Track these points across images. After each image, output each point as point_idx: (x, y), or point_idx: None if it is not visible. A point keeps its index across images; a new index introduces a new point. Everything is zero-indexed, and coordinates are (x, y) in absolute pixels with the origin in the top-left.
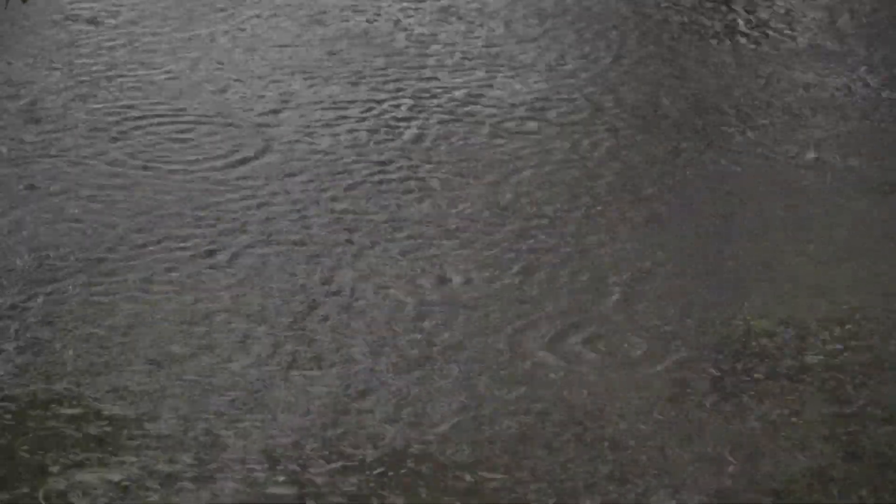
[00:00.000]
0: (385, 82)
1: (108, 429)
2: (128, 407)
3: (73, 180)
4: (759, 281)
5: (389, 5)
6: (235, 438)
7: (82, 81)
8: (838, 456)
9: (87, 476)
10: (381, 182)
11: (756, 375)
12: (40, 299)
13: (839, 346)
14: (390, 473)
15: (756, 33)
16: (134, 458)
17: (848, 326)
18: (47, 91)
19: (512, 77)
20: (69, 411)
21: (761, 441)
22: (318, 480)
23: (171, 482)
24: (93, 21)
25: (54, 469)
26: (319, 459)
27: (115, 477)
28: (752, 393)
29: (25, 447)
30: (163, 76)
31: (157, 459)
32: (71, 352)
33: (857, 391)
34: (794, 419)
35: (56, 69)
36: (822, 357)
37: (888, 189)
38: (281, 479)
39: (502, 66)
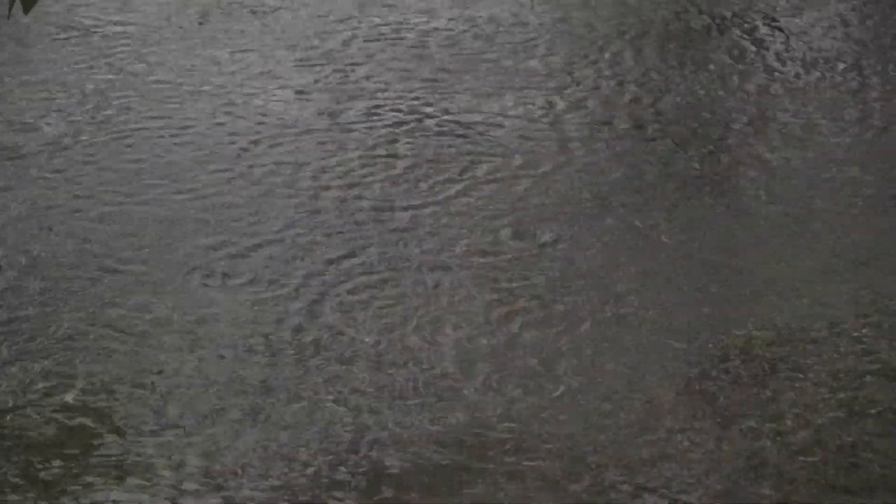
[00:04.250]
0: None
1: None
2: None
3: None
4: (763, 292)
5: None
6: None
7: None
8: (842, 466)
9: None
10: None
11: (759, 386)
12: None
13: (843, 358)
14: None
15: (759, 42)
16: None
17: (851, 338)
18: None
19: (512, 84)
20: None
21: (765, 451)
22: None
23: None
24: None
25: None
26: None
27: None
28: (756, 403)
29: None
30: None
31: None
32: None
33: (860, 402)
34: (797, 430)
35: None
36: (825, 368)
37: (892, 201)
38: None
39: (503, 72)
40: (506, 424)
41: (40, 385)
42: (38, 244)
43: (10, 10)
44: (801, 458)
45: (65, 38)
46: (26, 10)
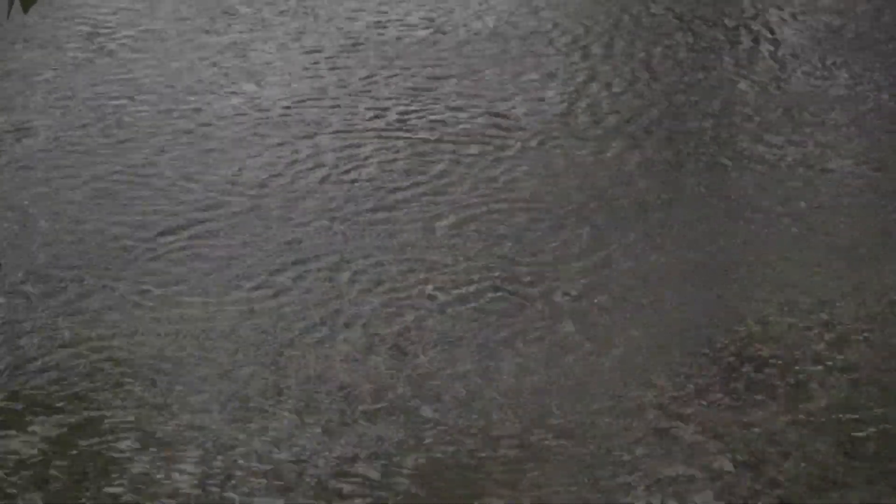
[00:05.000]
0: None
1: None
2: None
3: None
4: (761, 288)
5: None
6: None
7: None
8: (841, 461)
9: None
10: None
11: (758, 380)
12: None
13: (842, 353)
14: None
15: (757, 38)
16: None
17: (850, 333)
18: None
19: (510, 81)
20: None
21: (763, 446)
22: None
23: None
24: None
25: None
26: None
27: None
28: (754, 397)
29: None
30: None
31: None
32: None
33: (859, 395)
34: (796, 424)
35: None
36: (823, 362)
37: (889, 196)
38: None
39: (504, 66)
40: (506, 424)
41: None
42: (17, 226)
43: (9, 10)
44: (800, 452)
45: (65, 30)
46: (25, 9)
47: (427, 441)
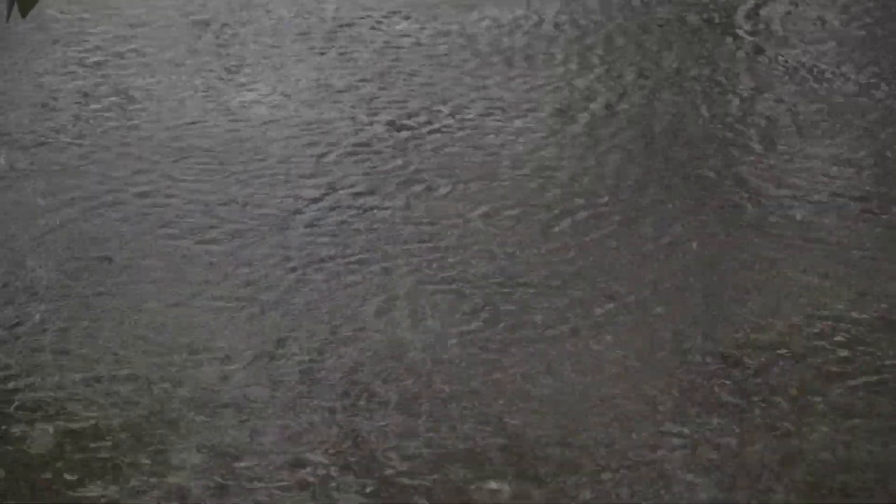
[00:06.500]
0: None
1: None
2: None
3: None
4: (759, 295)
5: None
6: None
7: None
8: (839, 469)
9: None
10: None
11: (756, 388)
12: None
13: (840, 361)
14: None
15: (754, 44)
16: None
17: (850, 341)
18: None
19: (507, 87)
20: None
21: (761, 454)
22: None
23: None
24: None
25: None
26: None
27: None
28: (751, 405)
29: None
30: None
31: None
32: None
33: (858, 404)
34: (793, 432)
35: None
36: (822, 370)
37: (890, 203)
38: None
39: (497, 75)
40: (493, 430)
41: None
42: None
43: (8, 14)
44: (798, 460)
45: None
46: (24, 14)
47: None
